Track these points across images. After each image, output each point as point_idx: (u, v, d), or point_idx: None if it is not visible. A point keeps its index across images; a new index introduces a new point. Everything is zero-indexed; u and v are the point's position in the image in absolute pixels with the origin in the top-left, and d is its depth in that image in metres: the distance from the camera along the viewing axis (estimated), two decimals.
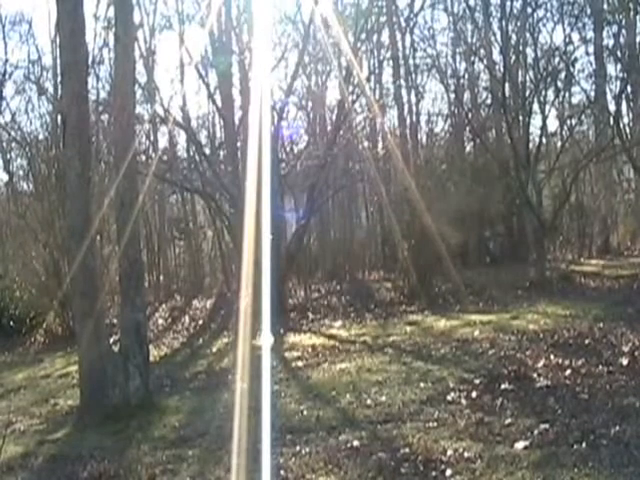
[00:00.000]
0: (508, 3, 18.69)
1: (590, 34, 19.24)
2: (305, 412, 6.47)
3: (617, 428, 4.87)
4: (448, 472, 4.36)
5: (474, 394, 6.34)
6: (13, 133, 23.56)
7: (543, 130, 17.47)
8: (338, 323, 12.90)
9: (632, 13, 19.95)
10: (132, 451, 5.86)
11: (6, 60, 23.46)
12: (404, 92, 22.95)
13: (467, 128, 21.79)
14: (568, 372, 6.66)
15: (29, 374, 11.16)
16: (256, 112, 7.49)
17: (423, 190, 14.58)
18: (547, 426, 5.12)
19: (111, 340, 9.03)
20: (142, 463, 5.35)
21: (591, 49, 19.94)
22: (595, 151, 18.48)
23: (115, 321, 12.52)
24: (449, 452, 4.79)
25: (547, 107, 18.50)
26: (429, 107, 33.76)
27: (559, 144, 19.50)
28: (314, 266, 24.10)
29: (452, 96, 22.20)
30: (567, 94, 21.35)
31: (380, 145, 22.57)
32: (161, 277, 24.46)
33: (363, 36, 17.71)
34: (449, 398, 6.34)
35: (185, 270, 26.13)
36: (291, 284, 19.64)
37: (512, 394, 6.15)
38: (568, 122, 21.11)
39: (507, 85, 16.18)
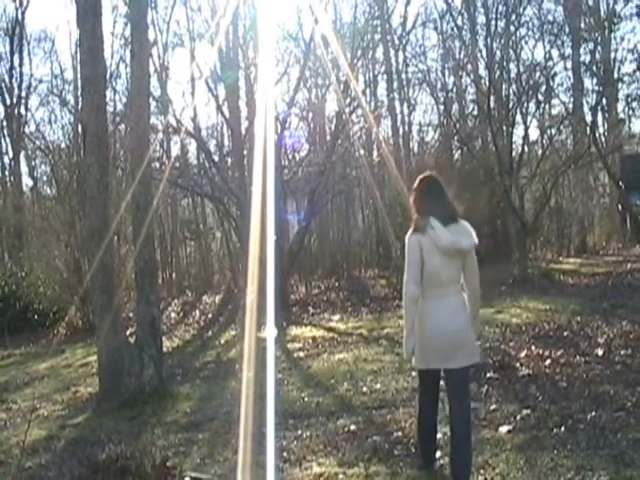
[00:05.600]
0: (493, 22, 18.81)
1: (568, 51, 19.27)
2: (306, 399, 6.46)
3: (593, 413, 4.87)
4: (437, 454, 4.35)
5: None
6: (37, 142, 23.69)
7: (525, 139, 17.45)
8: (336, 317, 12.89)
9: (607, 32, 20.01)
10: (147, 435, 5.85)
11: (31, 75, 23.71)
12: (397, 104, 23.03)
13: (455, 137, 21.79)
14: (548, 362, 6.64)
15: (52, 364, 11.17)
16: (261, 122, 7.49)
17: None
18: (529, 412, 5.11)
19: (127, 332, 9.06)
20: (156, 446, 5.34)
21: (569, 65, 20.00)
22: (573, 158, 18.45)
23: (131, 315, 12.54)
24: (438, 435, 4.77)
25: (529, 118, 18.46)
26: (420, 118, 33.99)
27: (540, 152, 19.47)
28: (314, 264, 24.12)
29: (441, 108, 22.24)
30: (547, 106, 21.37)
31: (375, 153, 22.61)
32: (173, 274, 24.51)
33: (359, 52, 17.73)
34: None
35: (195, 268, 26.16)
36: (293, 281, 19.65)
37: (496, 382, 6.14)
38: (548, 132, 21.07)
39: (492, 98, 16.16)
